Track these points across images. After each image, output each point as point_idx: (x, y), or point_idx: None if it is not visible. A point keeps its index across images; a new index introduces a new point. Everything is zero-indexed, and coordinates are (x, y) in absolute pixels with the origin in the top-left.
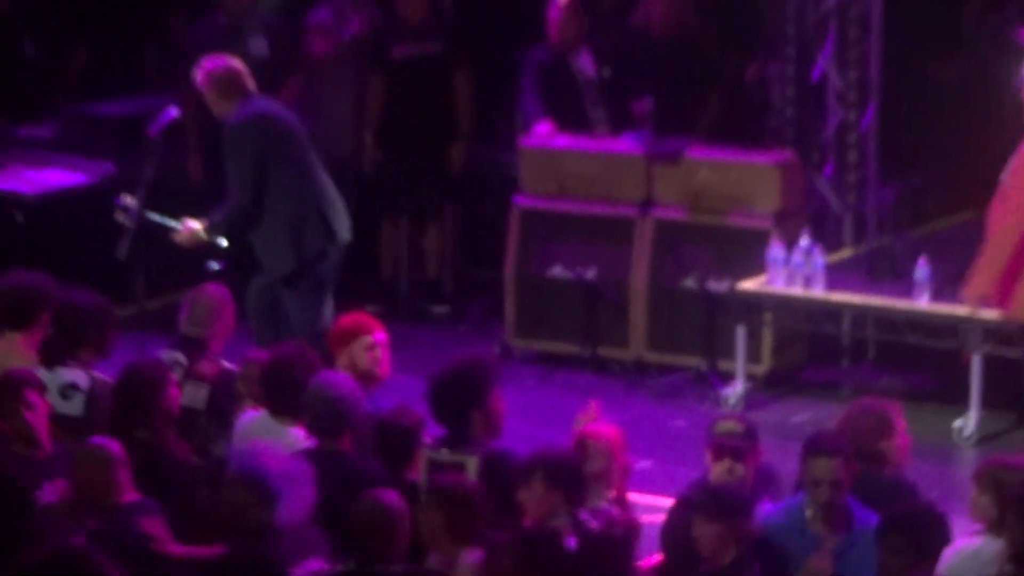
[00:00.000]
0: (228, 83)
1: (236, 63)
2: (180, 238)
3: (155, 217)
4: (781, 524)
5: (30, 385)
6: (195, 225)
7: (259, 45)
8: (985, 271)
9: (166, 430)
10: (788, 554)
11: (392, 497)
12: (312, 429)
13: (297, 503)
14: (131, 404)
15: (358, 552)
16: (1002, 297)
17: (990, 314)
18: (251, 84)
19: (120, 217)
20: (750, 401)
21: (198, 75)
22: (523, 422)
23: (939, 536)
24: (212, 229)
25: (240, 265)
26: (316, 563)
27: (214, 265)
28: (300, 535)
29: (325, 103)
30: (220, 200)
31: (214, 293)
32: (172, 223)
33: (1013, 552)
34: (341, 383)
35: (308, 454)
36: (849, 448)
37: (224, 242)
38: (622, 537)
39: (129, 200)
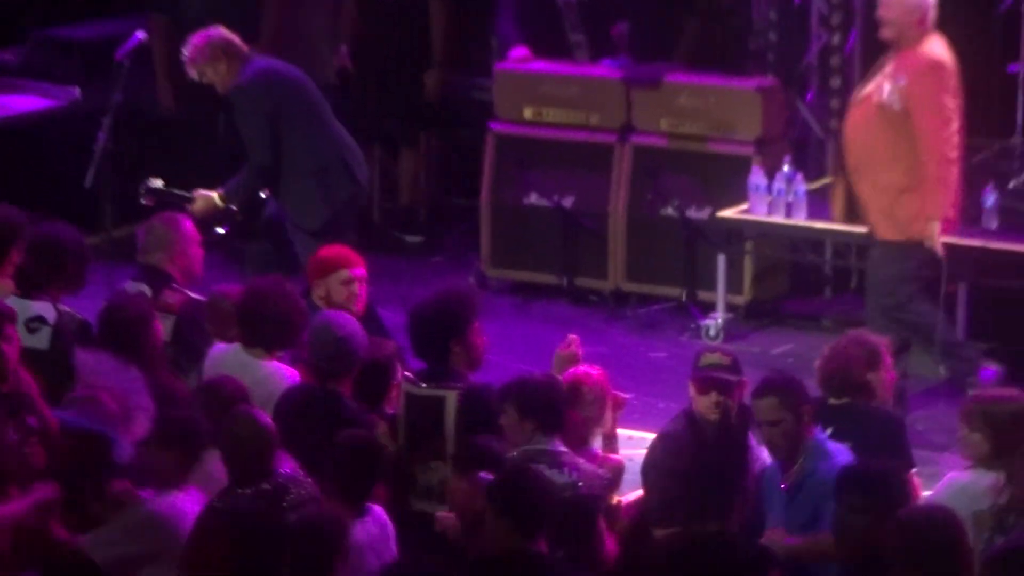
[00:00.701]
0: (225, 50)
1: (223, 31)
2: (195, 207)
3: (174, 191)
4: (768, 479)
5: (8, 318)
6: (209, 193)
7: None
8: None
9: (158, 366)
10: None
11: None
12: (315, 369)
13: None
14: (119, 342)
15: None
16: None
17: (981, 242)
18: (245, 47)
19: (143, 199)
20: (731, 332)
21: (190, 53)
22: (500, 354)
23: (899, 497)
24: (228, 195)
25: (244, 230)
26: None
27: (220, 230)
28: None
29: (303, 35)
30: (191, 128)
31: (167, 220)
32: (185, 194)
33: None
34: (344, 323)
35: (303, 391)
36: (797, 388)
37: (235, 207)
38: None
39: (154, 182)
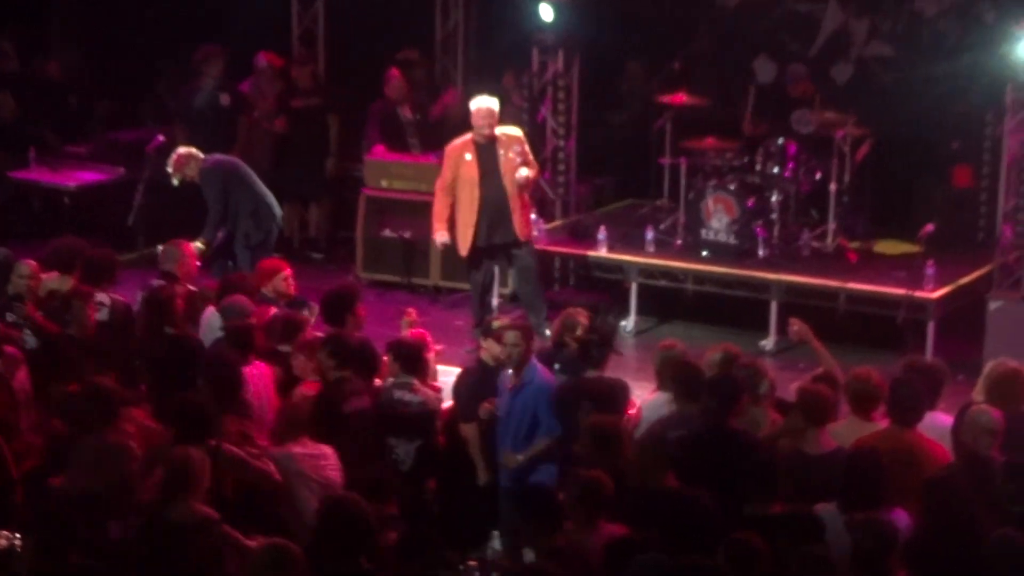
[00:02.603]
0: (189, 158)
1: (183, 148)
2: None
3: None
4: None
5: (91, 298)
6: (195, 243)
7: (224, 99)
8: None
9: (183, 324)
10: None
11: None
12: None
13: None
14: (159, 312)
15: None
16: None
17: (644, 259)
18: (201, 154)
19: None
20: (503, 308)
21: (172, 169)
22: (372, 322)
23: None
24: (203, 239)
25: (220, 251)
26: None
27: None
28: None
29: (255, 146)
30: (192, 192)
31: (176, 244)
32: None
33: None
34: (241, 303)
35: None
36: (530, 330)
37: (203, 246)
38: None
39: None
